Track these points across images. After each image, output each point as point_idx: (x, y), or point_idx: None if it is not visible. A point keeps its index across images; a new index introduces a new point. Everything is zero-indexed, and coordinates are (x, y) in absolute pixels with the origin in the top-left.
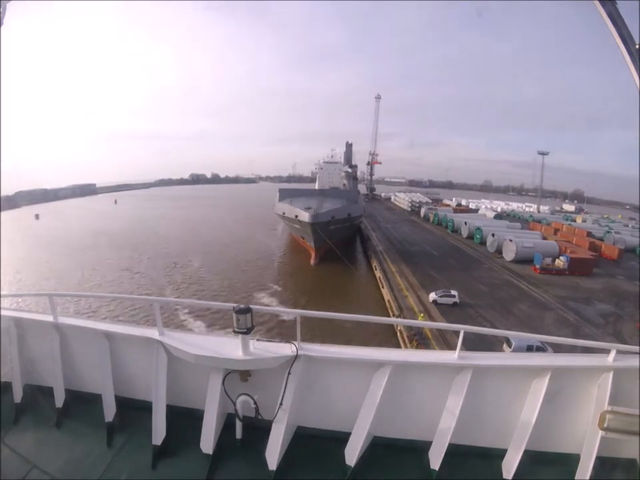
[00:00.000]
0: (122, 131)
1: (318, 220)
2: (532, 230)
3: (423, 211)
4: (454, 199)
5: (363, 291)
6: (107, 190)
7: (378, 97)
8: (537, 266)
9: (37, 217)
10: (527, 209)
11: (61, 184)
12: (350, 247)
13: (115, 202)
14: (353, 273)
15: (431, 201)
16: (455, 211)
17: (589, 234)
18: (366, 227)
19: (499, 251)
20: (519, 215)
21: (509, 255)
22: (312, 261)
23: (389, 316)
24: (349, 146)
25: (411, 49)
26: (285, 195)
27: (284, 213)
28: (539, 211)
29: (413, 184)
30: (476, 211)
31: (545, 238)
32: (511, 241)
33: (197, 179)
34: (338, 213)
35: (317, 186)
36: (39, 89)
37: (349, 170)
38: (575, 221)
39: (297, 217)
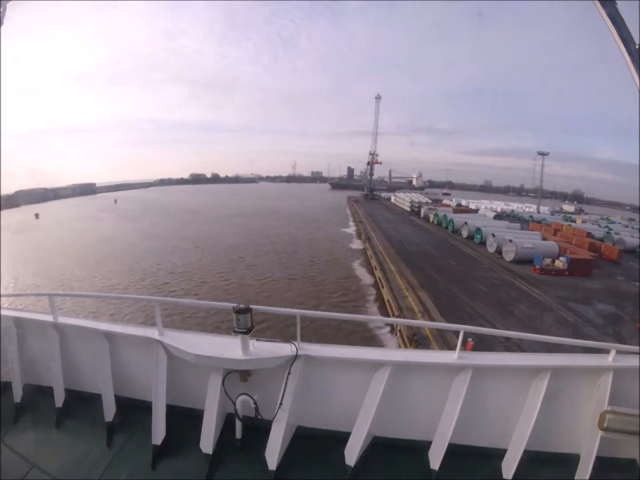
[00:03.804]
0: (121, 125)
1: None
2: (532, 230)
3: (422, 211)
4: (454, 199)
5: None
6: (107, 189)
7: (378, 97)
8: (537, 266)
9: (36, 216)
10: (527, 210)
11: (61, 183)
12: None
13: (115, 201)
14: None
15: (430, 201)
16: (455, 211)
17: (589, 234)
18: (365, 227)
19: (498, 252)
20: (518, 216)
21: (508, 255)
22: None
23: (388, 315)
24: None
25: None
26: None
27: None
28: (538, 212)
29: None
30: (476, 211)
31: (544, 238)
32: (510, 241)
33: (196, 179)
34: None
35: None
36: (38, 87)
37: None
38: (574, 221)
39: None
